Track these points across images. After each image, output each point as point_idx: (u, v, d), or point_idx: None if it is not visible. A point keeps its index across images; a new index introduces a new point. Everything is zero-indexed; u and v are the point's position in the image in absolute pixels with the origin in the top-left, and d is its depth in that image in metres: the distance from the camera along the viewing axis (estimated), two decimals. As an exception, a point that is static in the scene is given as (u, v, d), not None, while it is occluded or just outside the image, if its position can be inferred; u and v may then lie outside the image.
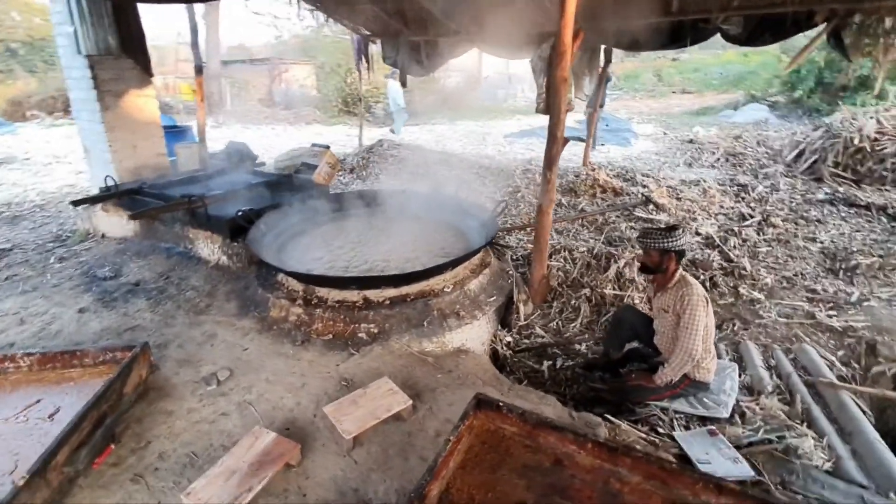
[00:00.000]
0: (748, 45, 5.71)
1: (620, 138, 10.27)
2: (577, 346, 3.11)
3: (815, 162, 6.34)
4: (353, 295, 2.67)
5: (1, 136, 10.83)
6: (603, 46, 5.59)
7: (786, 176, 6.22)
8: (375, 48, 7.13)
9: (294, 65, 17.27)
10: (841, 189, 5.60)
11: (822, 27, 4.50)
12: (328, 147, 4.15)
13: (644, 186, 5.54)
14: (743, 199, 5.19)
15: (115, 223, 3.98)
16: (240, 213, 3.14)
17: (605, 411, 2.55)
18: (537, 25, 5.75)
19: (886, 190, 5.54)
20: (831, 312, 3.16)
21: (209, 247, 3.39)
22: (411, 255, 3.09)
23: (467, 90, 17.18)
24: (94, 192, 4.41)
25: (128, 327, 2.66)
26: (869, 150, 5.95)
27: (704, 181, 5.66)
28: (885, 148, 5.84)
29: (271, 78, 16.30)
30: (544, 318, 3.45)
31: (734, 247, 4.04)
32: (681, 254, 2.43)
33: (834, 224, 4.53)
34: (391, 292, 2.69)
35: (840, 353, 2.86)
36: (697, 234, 4.33)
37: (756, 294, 3.45)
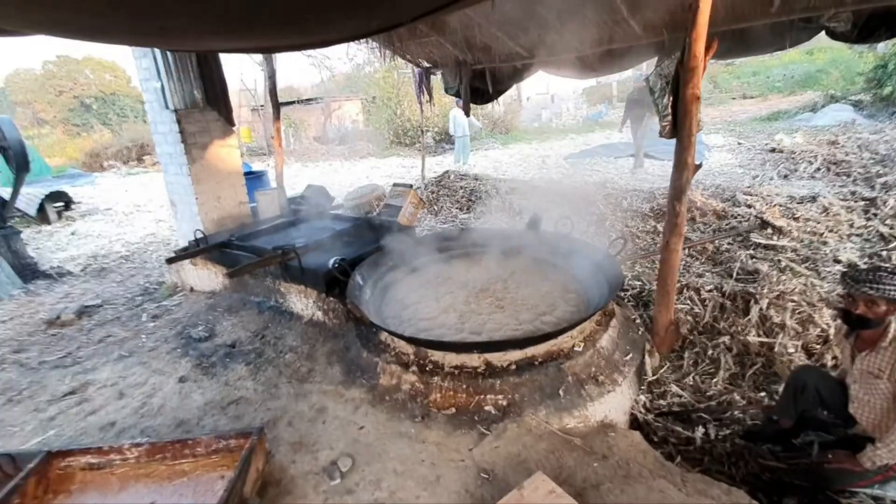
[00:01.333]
0: (858, 42, 5.09)
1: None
2: (735, 413, 2.62)
3: (946, 167, 5.51)
4: (473, 359, 2.35)
5: (82, 188, 11.65)
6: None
7: (913, 185, 5.43)
8: (435, 78, 7.04)
9: (345, 101, 17.81)
10: None
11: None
12: (411, 186, 3.95)
13: (749, 206, 4.96)
14: (875, 215, 4.50)
15: (204, 277, 3.92)
16: (336, 265, 2.93)
17: (799, 502, 2.05)
18: (605, 43, 5.44)
19: None
20: None
21: (303, 301, 3.20)
22: (526, 304, 2.75)
23: (512, 113, 16.98)
24: (182, 243, 4.42)
25: (231, 400, 2.46)
26: None
27: (822, 196, 5.00)
28: None
29: (325, 116, 16.83)
30: (676, 371, 2.98)
31: (892, 276, 3.41)
32: None
33: None
34: (516, 355, 2.34)
35: None
36: (837, 261, 3.73)
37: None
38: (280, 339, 3.01)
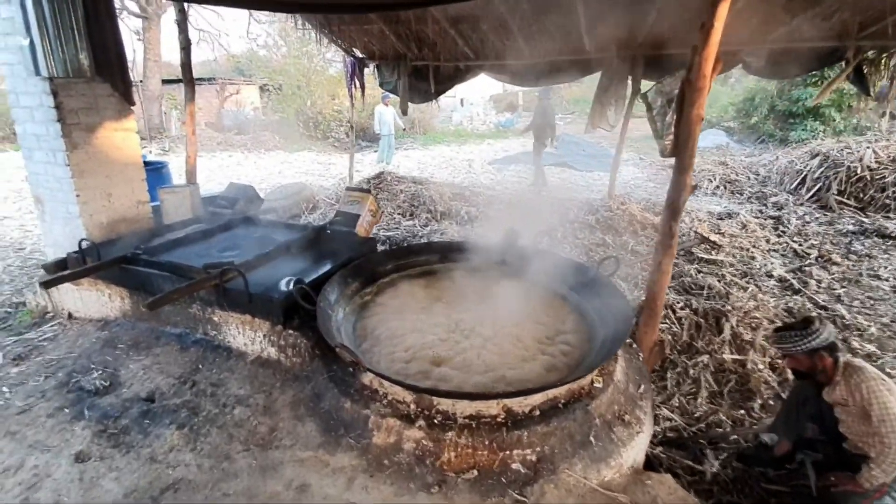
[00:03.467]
0: (770, 77, 5.70)
1: (604, 164, 10.27)
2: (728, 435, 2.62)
3: (818, 190, 6.49)
4: (490, 407, 1.98)
5: None
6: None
7: (797, 204, 6.29)
8: (368, 71, 6.50)
9: (244, 85, 16.01)
10: (851, 217, 5.70)
11: (843, 64, 4.52)
12: (369, 192, 3.43)
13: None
14: (784, 232, 5.07)
15: (93, 300, 2.97)
16: (299, 287, 2.34)
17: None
18: (553, 53, 5.43)
19: (891, 217, 5.71)
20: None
21: (247, 335, 2.53)
22: (525, 332, 2.45)
23: (429, 114, 16.81)
24: (50, 255, 3.35)
25: (165, 485, 1.78)
26: (869, 178, 6.17)
27: (738, 214, 5.52)
28: (885, 177, 6.07)
29: (219, 99, 14.93)
30: (661, 392, 2.94)
31: (817, 291, 3.80)
32: (832, 347, 2.06)
33: (884, 259, 4.48)
34: (537, 398, 2.03)
35: None
36: (769, 275, 4.07)
37: (870, 347, 3.17)
38: (219, 387, 2.32)
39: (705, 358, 3.00)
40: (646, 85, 4.15)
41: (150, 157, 7.59)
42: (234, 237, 3.42)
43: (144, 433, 2.03)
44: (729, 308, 3.27)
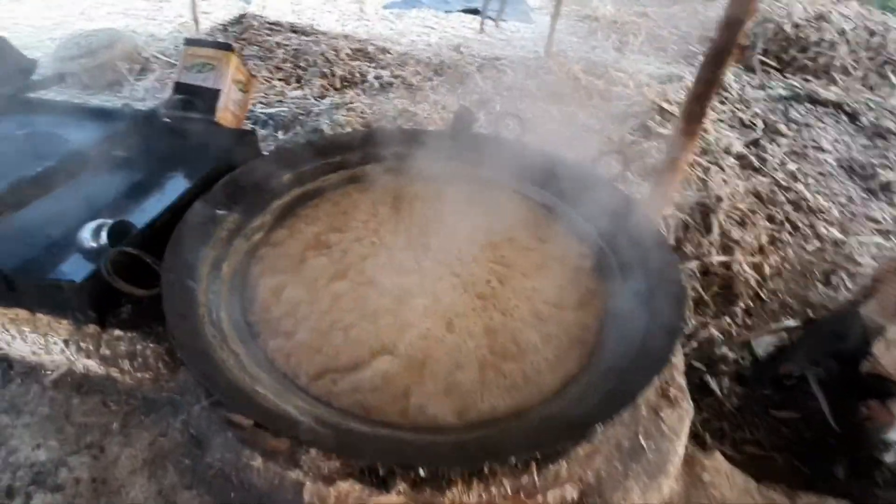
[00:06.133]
0: None
1: (519, 12, 8.85)
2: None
3: (746, 48, 6.12)
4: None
5: None
6: None
7: (724, 65, 5.90)
8: None
9: None
10: (780, 82, 5.50)
11: None
12: (230, 48, 2.01)
13: (625, 86, 4.57)
14: (727, 99, 4.65)
15: None
16: (118, 250, 1.18)
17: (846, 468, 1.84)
18: None
19: (808, 80, 5.62)
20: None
21: (31, 339, 1.36)
22: (530, 293, 1.61)
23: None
24: None
25: None
26: (794, 37, 5.90)
27: (681, 77, 4.93)
28: (808, 36, 5.83)
29: None
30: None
31: (775, 168, 3.50)
32: None
33: (820, 128, 4.33)
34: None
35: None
36: (727, 152, 3.66)
37: (836, 233, 3.00)
38: (12, 435, 1.23)
39: (694, 264, 2.55)
40: None
41: None
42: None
43: None
44: (712, 199, 2.78)
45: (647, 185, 2.66)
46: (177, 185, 1.68)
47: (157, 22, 5.88)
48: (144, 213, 1.53)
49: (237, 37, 4.28)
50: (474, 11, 8.66)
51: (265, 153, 2.10)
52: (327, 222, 1.82)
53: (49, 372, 1.39)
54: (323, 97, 3.66)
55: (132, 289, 1.15)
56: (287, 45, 4.15)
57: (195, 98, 1.96)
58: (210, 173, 1.72)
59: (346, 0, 8.74)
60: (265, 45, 4.10)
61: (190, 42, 2.08)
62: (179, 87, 1.98)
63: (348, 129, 3.23)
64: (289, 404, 1.12)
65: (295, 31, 4.54)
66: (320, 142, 1.99)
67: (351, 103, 3.52)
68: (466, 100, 3.92)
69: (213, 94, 1.97)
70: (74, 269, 1.23)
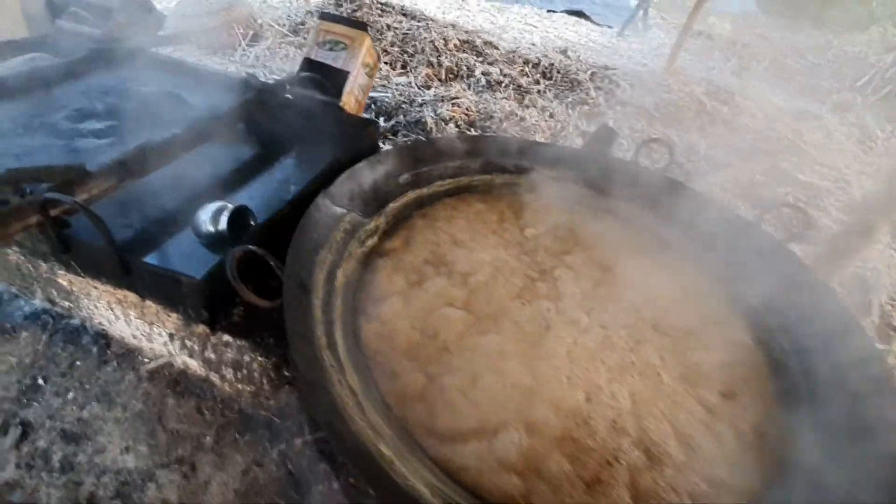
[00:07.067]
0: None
1: (623, 18, 8.29)
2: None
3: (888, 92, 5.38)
4: None
5: None
6: None
7: (865, 108, 5.20)
8: None
9: None
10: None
11: None
12: (365, 28, 1.84)
13: (752, 116, 4.08)
14: (871, 148, 4.07)
15: None
16: (244, 249, 1.02)
17: None
18: None
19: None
20: None
21: (135, 324, 1.24)
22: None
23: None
24: None
25: None
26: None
27: (817, 116, 4.37)
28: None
29: None
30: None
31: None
32: None
33: None
34: None
35: None
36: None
37: None
38: (80, 442, 1.12)
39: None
40: None
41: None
42: (100, 90, 1.81)
43: None
44: (874, 275, 2.35)
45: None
46: (298, 174, 1.53)
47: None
48: (264, 201, 1.38)
49: (350, 14, 4.18)
50: (578, 14, 8.24)
51: (382, 146, 1.92)
52: (447, 234, 1.61)
53: (147, 360, 1.27)
54: (428, 87, 3.46)
55: (257, 299, 0.99)
56: (397, 29, 3.99)
57: (324, 77, 1.80)
58: (332, 163, 1.56)
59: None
60: (376, 26, 3.96)
61: (325, 17, 1.92)
62: (309, 64, 1.83)
63: (453, 127, 3.02)
64: (417, 477, 0.92)
65: (405, 15, 4.38)
66: (440, 143, 1.78)
67: (456, 98, 3.30)
68: (577, 110, 3.61)
69: (342, 76, 1.81)
70: (194, 264, 1.09)
